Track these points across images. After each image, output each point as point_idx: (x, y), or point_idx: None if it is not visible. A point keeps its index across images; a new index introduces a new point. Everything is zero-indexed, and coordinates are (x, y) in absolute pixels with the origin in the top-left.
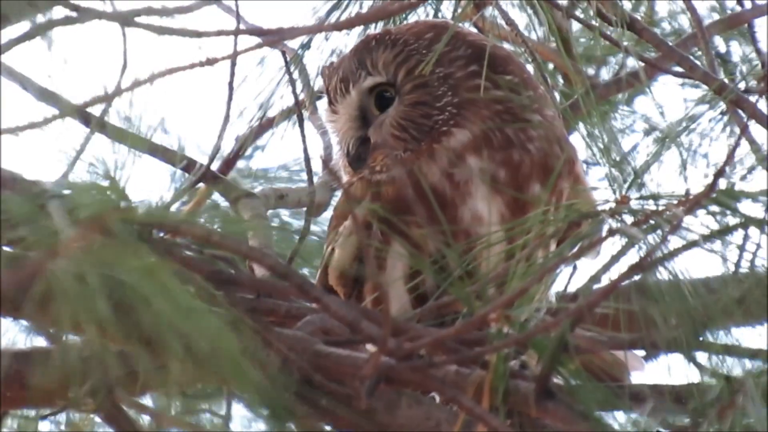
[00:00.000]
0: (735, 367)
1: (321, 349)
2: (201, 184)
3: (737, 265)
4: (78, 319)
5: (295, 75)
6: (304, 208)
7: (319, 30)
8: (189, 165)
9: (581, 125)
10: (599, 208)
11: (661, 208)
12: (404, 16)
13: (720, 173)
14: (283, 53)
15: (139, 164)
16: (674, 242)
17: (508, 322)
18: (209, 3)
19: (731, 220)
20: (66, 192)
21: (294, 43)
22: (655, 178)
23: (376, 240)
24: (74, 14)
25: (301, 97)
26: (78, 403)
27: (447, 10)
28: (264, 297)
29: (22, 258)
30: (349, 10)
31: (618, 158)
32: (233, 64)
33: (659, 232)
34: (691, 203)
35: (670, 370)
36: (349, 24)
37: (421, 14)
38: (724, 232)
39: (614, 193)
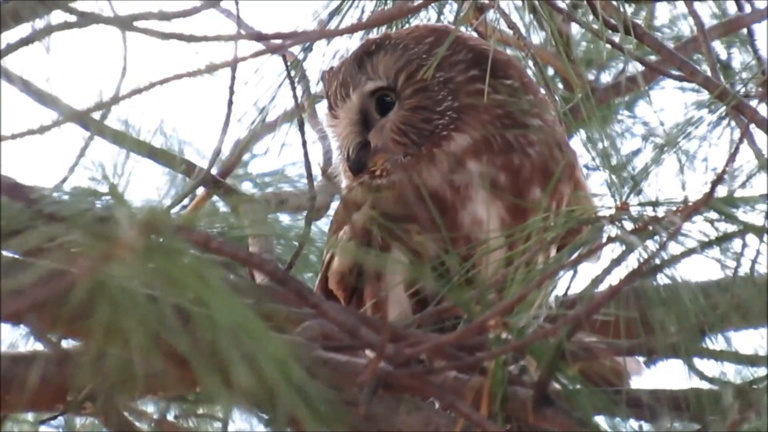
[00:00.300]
0: (734, 374)
1: (320, 355)
2: (201, 188)
3: (735, 271)
4: (132, 328)
5: (296, 78)
6: (305, 212)
7: (320, 36)
8: (188, 169)
9: (581, 130)
10: (599, 214)
11: (660, 215)
12: (407, 20)
13: (718, 180)
14: (284, 57)
15: (138, 168)
16: (674, 249)
17: (507, 329)
18: (209, 6)
19: (731, 227)
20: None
21: (294, 47)
22: (656, 184)
23: (376, 246)
24: (73, 18)
25: (302, 100)
26: (77, 406)
27: (450, 14)
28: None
29: (57, 268)
30: (350, 14)
31: (617, 164)
32: (233, 69)
33: (658, 238)
34: (689, 211)
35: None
36: (352, 29)
37: (423, 18)
38: (723, 239)
39: (614, 199)
